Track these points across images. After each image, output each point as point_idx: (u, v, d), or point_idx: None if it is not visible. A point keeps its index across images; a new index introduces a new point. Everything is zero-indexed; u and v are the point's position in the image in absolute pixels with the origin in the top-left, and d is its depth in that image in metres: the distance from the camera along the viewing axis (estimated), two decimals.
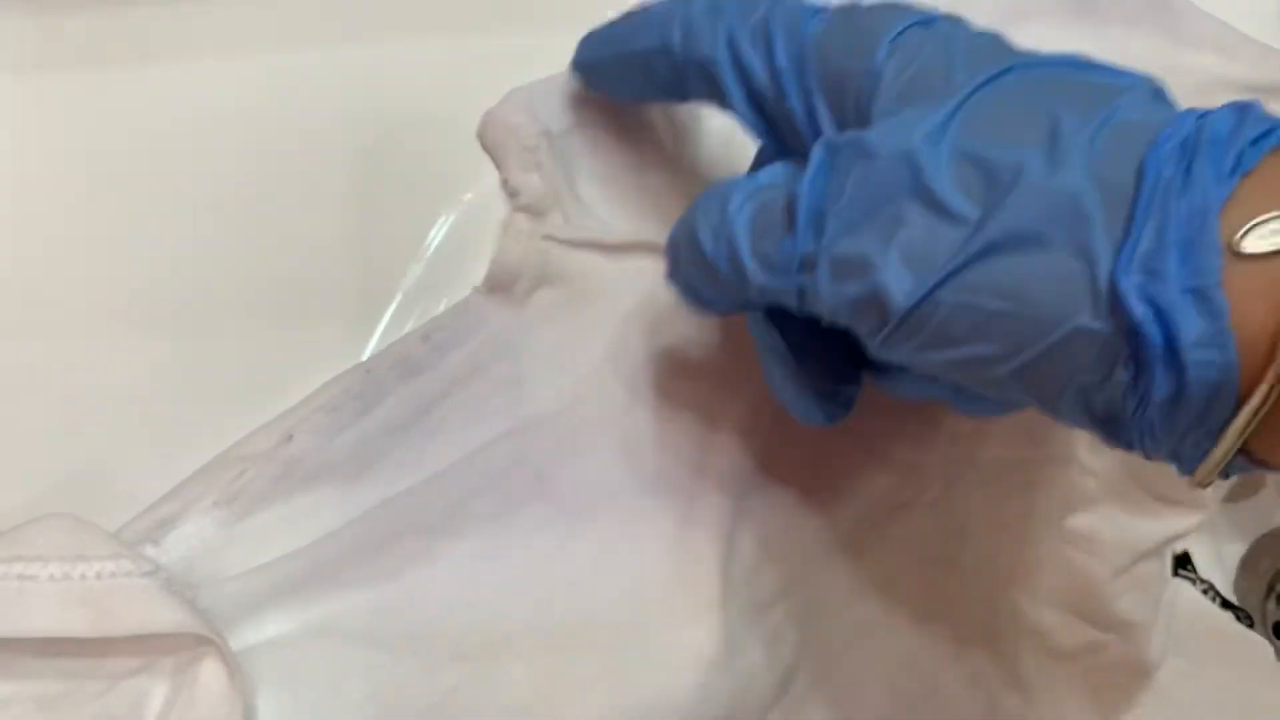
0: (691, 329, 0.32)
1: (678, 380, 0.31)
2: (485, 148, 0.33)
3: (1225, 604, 0.40)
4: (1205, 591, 0.40)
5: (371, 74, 0.33)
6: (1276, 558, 0.45)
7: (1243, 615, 0.40)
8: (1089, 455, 0.34)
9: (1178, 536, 0.36)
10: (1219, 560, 0.43)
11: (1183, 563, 0.40)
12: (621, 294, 0.32)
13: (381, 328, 0.32)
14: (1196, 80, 0.34)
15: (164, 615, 0.24)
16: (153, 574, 0.24)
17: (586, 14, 0.30)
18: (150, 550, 0.27)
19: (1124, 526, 0.36)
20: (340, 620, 0.28)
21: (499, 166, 0.32)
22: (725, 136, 0.33)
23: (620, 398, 0.31)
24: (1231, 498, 0.43)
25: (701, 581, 0.28)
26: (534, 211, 0.32)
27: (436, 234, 0.33)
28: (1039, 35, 0.35)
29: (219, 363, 0.31)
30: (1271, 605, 0.45)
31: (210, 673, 0.24)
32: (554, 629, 0.28)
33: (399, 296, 0.32)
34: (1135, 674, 0.36)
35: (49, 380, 0.31)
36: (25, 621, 0.23)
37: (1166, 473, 0.34)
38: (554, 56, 0.32)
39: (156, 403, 0.31)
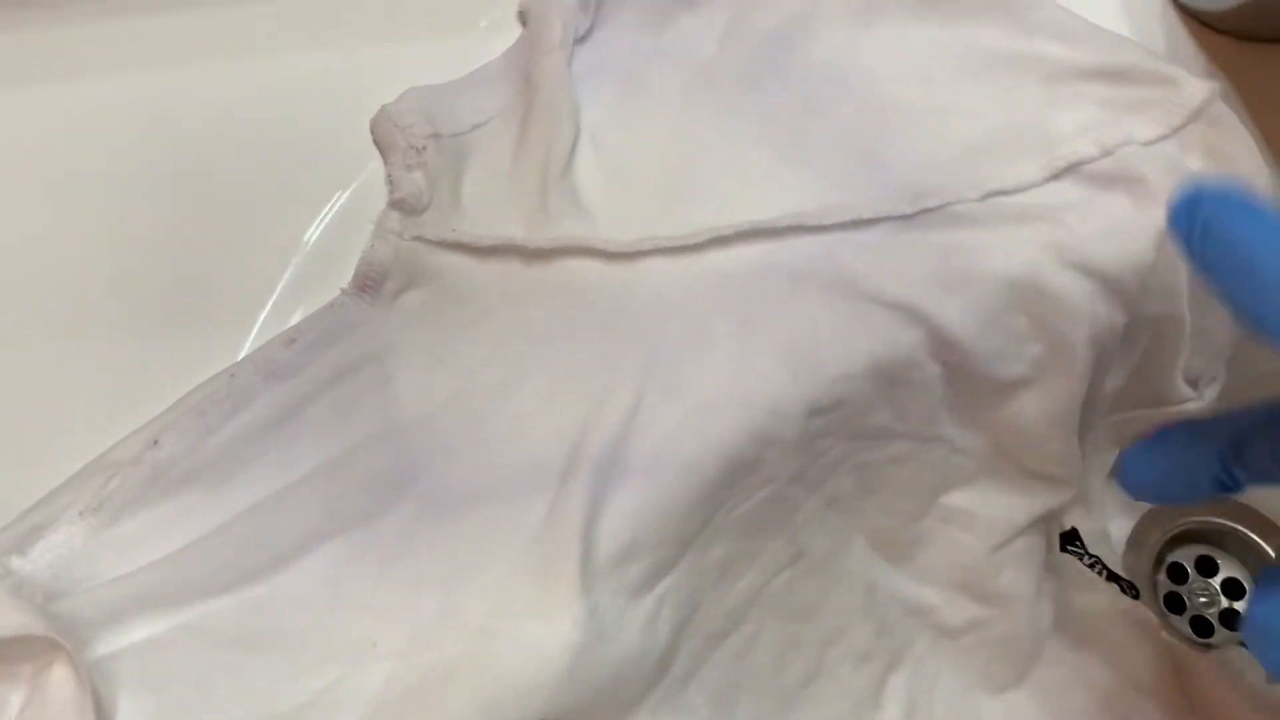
0: (557, 332, 0.32)
1: (544, 380, 0.32)
2: (375, 142, 0.33)
3: (1111, 577, 0.41)
4: (1092, 565, 0.41)
5: (252, 82, 0.34)
6: (1164, 531, 0.46)
7: (1128, 587, 0.41)
8: (957, 433, 0.35)
9: (1052, 511, 0.37)
10: (1104, 537, 0.44)
11: (1070, 539, 0.41)
12: (490, 295, 0.33)
13: (255, 330, 0.32)
14: (1046, 69, 0.35)
15: (8, 619, 0.24)
16: (1, 579, 0.24)
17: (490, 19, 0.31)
18: (16, 560, 0.27)
19: (999, 503, 0.37)
20: (208, 623, 0.28)
21: (385, 161, 0.33)
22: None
23: (489, 399, 0.32)
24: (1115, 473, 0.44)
25: (563, 573, 0.29)
26: (408, 209, 0.33)
27: (313, 234, 0.34)
28: (891, 33, 0.36)
29: (92, 371, 0.31)
30: (1162, 578, 0.46)
31: (59, 677, 0.24)
32: (422, 626, 0.29)
33: (274, 298, 0.33)
34: (1022, 648, 0.37)
35: None
36: None
37: (1037, 449, 0.35)
38: (448, 64, 0.32)
39: (28, 412, 0.31)
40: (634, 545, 0.30)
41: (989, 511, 0.37)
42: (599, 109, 0.35)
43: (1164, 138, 0.34)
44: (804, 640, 0.35)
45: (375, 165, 0.34)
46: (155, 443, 0.29)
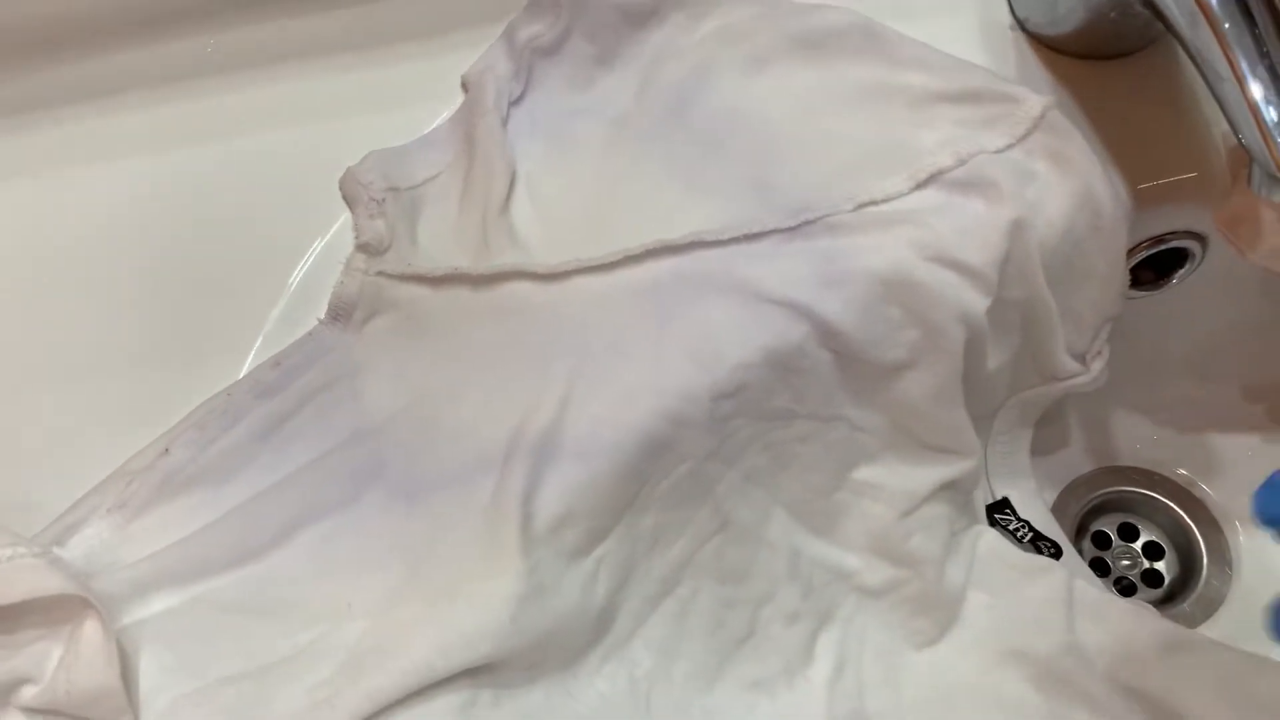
0: (500, 344, 0.38)
1: (490, 384, 0.38)
2: (343, 197, 0.40)
3: (1036, 538, 0.45)
4: (1018, 530, 0.45)
5: (238, 157, 0.41)
6: (1082, 502, 0.51)
7: (1049, 547, 0.45)
8: (856, 413, 0.40)
9: (955, 481, 0.42)
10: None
11: (1000, 507, 0.46)
12: (443, 318, 0.39)
13: (250, 358, 0.39)
14: (911, 96, 0.41)
15: (50, 583, 0.30)
16: (41, 555, 0.31)
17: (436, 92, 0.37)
18: (56, 550, 0.34)
19: (903, 475, 0.42)
20: (213, 594, 0.34)
21: (351, 212, 0.39)
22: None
23: (442, 403, 0.38)
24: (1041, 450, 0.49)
25: (506, 538, 0.34)
26: (371, 251, 0.39)
27: (295, 277, 0.40)
28: (777, 77, 0.42)
29: (116, 401, 0.38)
30: (1086, 544, 0.51)
31: (90, 629, 0.30)
32: (390, 591, 0.35)
33: (264, 331, 0.39)
34: (937, 605, 0.42)
35: None
36: None
37: (929, 424, 0.40)
38: (408, 130, 0.39)
39: (65, 437, 0.37)
40: (568, 515, 0.36)
41: (895, 483, 0.41)
42: (532, 160, 0.42)
43: (1011, 146, 0.39)
44: (737, 601, 0.40)
45: (346, 217, 0.40)
46: (166, 451, 0.35)
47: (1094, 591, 0.41)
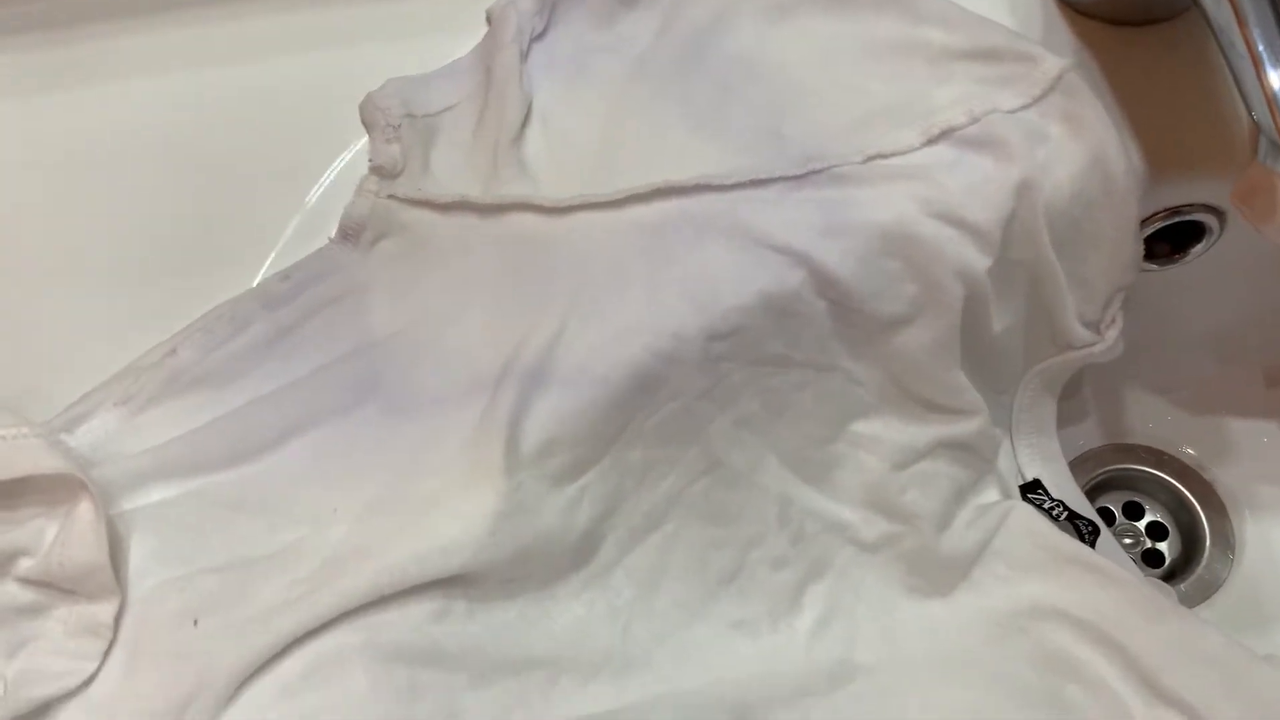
0: (502, 272, 0.39)
1: (489, 310, 0.39)
2: (362, 121, 0.41)
3: (1073, 516, 0.45)
4: (1053, 509, 0.45)
5: (263, 80, 0.42)
6: (1088, 477, 0.50)
7: (1086, 526, 0.45)
8: (852, 365, 0.41)
9: (957, 440, 0.42)
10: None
11: (1032, 487, 0.46)
12: (449, 243, 0.40)
13: (262, 272, 0.40)
14: (930, 52, 0.41)
15: (48, 462, 0.32)
16: (42, 436, 0.32)
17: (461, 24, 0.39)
18: (64, 436, 0.35)
19: (900, 429, 0.42)
20: (208, 490, 0.36)
21: (369, 136, 0.40)
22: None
23: (441, 324, 0.39)
24: None
25: (491, 457, 0.35)
26: (385, 174, 0.40)
27: (312, 196, 0.41)
28: (798, 26, 0.42)
29: (130, 308, 0.40)
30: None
31: (83, 509, 0.32)
32: (374, 500, 0.36)
33: (278, 247, 0.40)
34: (936, 563, 0.42)
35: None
36: None
37: (926, 380, 0.40)
38: (432, 60, 0.41)
39: (81, 335, 0.39)
40: (553, 441, 0.36)
41: (891, 436, 0.42)
42: (549, 95, 0.42)
43: (1026, 106, 0.39)
44: (724, 542, 0.41)
45: (365, 141, 0.41)
46: (174, 351, 0.37)
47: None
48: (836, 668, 0.40)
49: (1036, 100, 0.39)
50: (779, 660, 0.41)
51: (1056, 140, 0.39)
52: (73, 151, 0.42)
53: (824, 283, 0.38)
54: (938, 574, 0.42)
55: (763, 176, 0.39)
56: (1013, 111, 0.39)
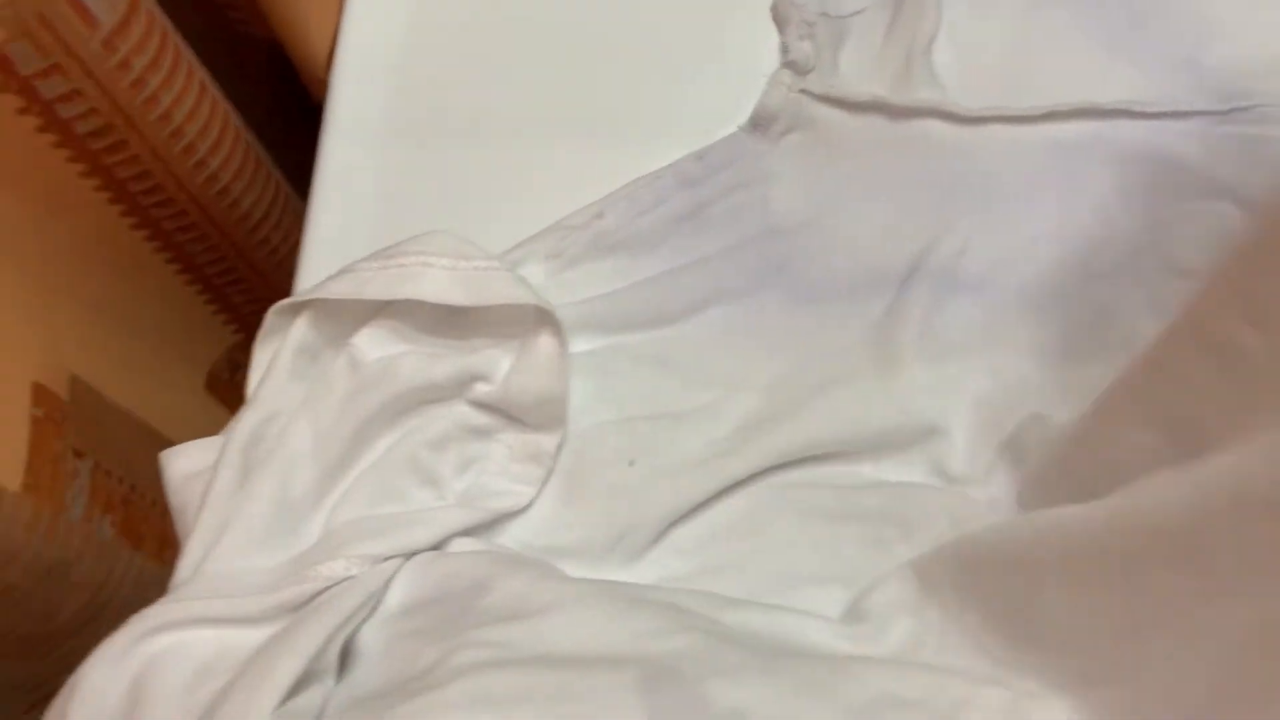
0: (908, 174, 0.40)
1: (893, 210, 0.40)
2: (774, 18, 0.42)
3: None
4: None
5: None
6: None
7: None
8: None
9: None
10: None
11: None
12: (856, 142, 0.41)
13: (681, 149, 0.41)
14: None
15: (520, 292, 0.34)
16: (511, 270, 0.34)
17: None
18: None
19: None
20: (630, 346, 0.38)
21: (780, 32, 0.41)
22: None
23: (846, 219, 0.40)
24: None
25: (900, 352, 0.36)
26: (797, 70, 0.41)
27: (722, 83, 0.43)
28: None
29: (562, 167, 0.42)
30: None
31: (545, 340, 0.34)
32: (779, 375, 0.37)
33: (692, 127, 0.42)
34: None
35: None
36: (426, 289, 0.33)
37: None
38: None
39: (515, 188, 0.41)
40: (959, 347, 0.37)
41: None
42: (956, 7, 0.43)
43: None
44: None
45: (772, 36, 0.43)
46: (601, 215, 0.39)
47: None
48: None
49: None
50: None
51: None
52: (533, 11, 0.45)
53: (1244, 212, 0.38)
54: None
55: (1184, 109, 0.39)
56: None
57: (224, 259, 0.45)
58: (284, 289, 0.47)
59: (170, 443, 0.35)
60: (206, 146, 0.41)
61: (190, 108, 0.40)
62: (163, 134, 0.39)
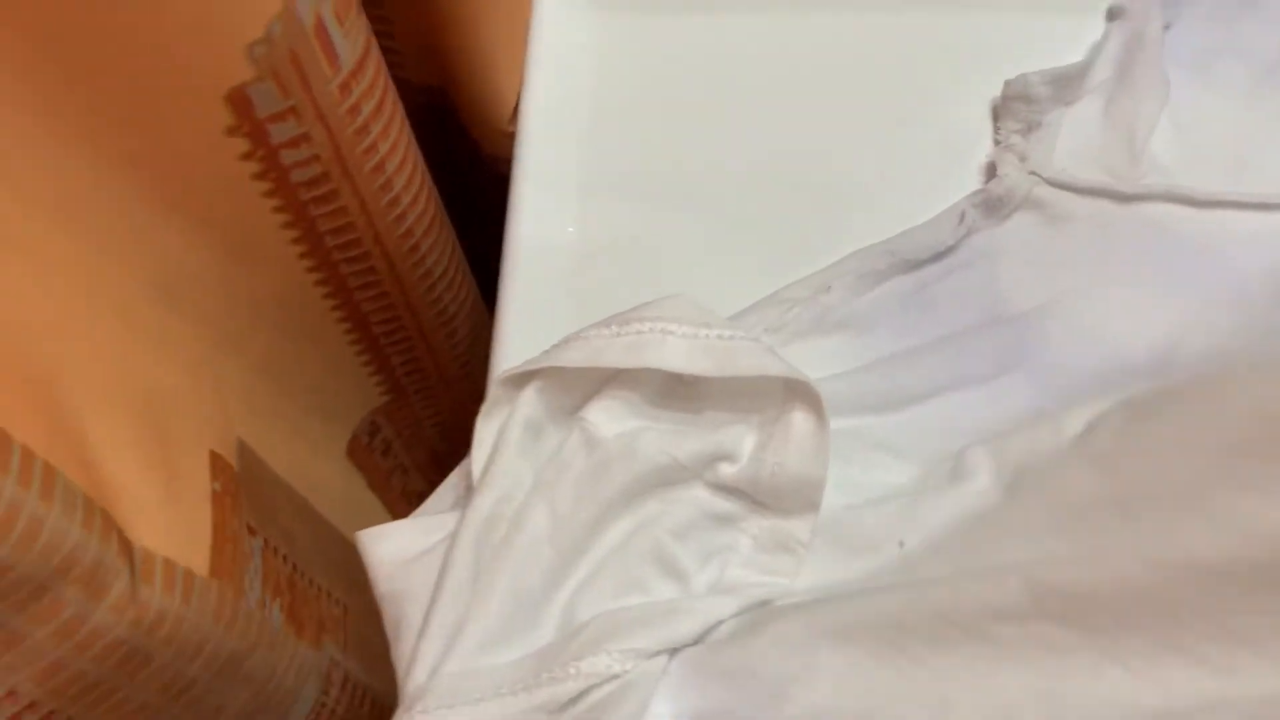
0: (1141, 257, 0.38)
1: (1129, 293, 0.37)
2: (1004, 96, 0.41)
3: None
4: None
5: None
6: None
7: None
8: None
9: None
10: None
11: None
12: (1085, 224, 0.39)
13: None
14: None
15: (773, 363, 0.31)
16: (757, 340, 0.32)
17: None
18: None
19: None
20: (863, 430, 0.35)
21: (1002, 120, 0.40)
22: None
23: (1081, 301, 0.37)
24: None
25: None
26: (1018, 154, 0.39)
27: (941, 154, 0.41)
28: None
29: (775, 233, 0.40)
30: None
31: (800, 417, 0.31)
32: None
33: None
34: None
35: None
36: (669, 358, 0.31)
37: None
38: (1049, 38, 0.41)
39: (716, 251, 0.39)
40: None
41: None
42: (1177, 86, 0.41)
43: None
44: None
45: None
46: (828, 289, 0.36)
47: None
48: None
49: None
50: None
51: None
52: (721, 76, 0.43)
53: None
54: None
55: None
56: None
57: (397, 319, 0.42)
58: (444, 353, 0.44)
59: (319, 516, 0.33)
60: (408, 199, 0.39)
61: (400, 159, 0.37)
62: (374, 185, 0.37)
